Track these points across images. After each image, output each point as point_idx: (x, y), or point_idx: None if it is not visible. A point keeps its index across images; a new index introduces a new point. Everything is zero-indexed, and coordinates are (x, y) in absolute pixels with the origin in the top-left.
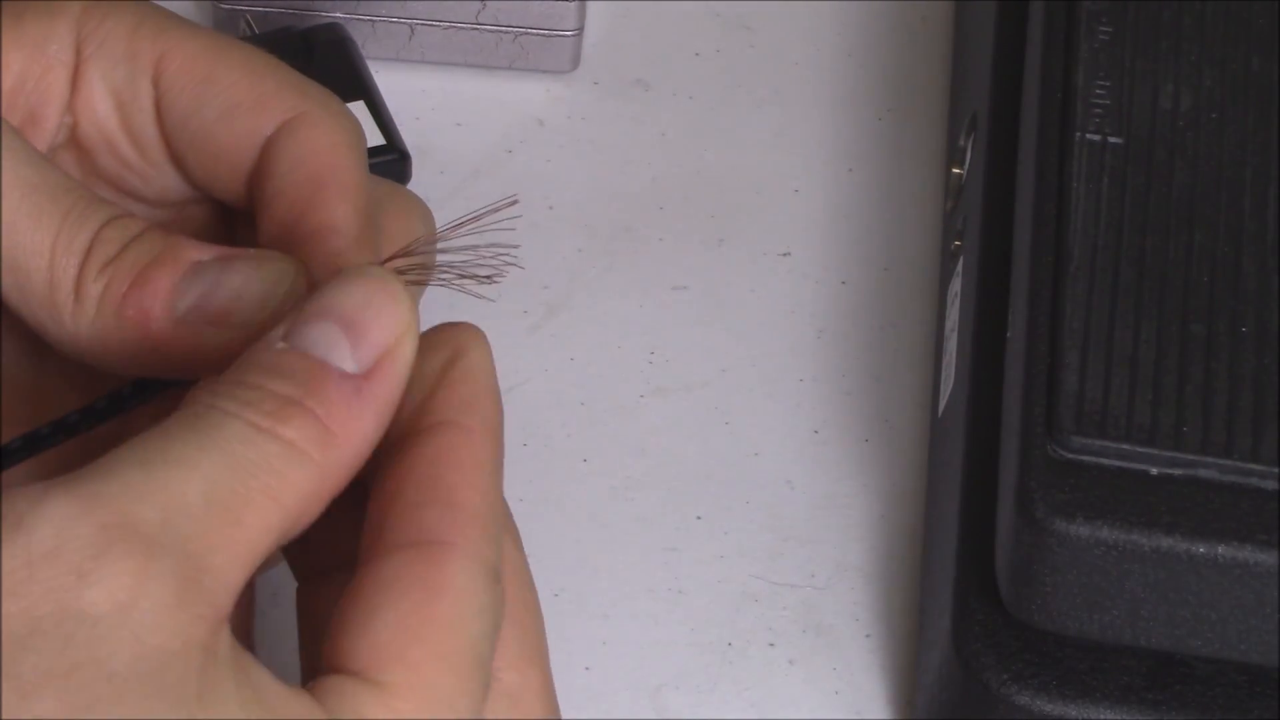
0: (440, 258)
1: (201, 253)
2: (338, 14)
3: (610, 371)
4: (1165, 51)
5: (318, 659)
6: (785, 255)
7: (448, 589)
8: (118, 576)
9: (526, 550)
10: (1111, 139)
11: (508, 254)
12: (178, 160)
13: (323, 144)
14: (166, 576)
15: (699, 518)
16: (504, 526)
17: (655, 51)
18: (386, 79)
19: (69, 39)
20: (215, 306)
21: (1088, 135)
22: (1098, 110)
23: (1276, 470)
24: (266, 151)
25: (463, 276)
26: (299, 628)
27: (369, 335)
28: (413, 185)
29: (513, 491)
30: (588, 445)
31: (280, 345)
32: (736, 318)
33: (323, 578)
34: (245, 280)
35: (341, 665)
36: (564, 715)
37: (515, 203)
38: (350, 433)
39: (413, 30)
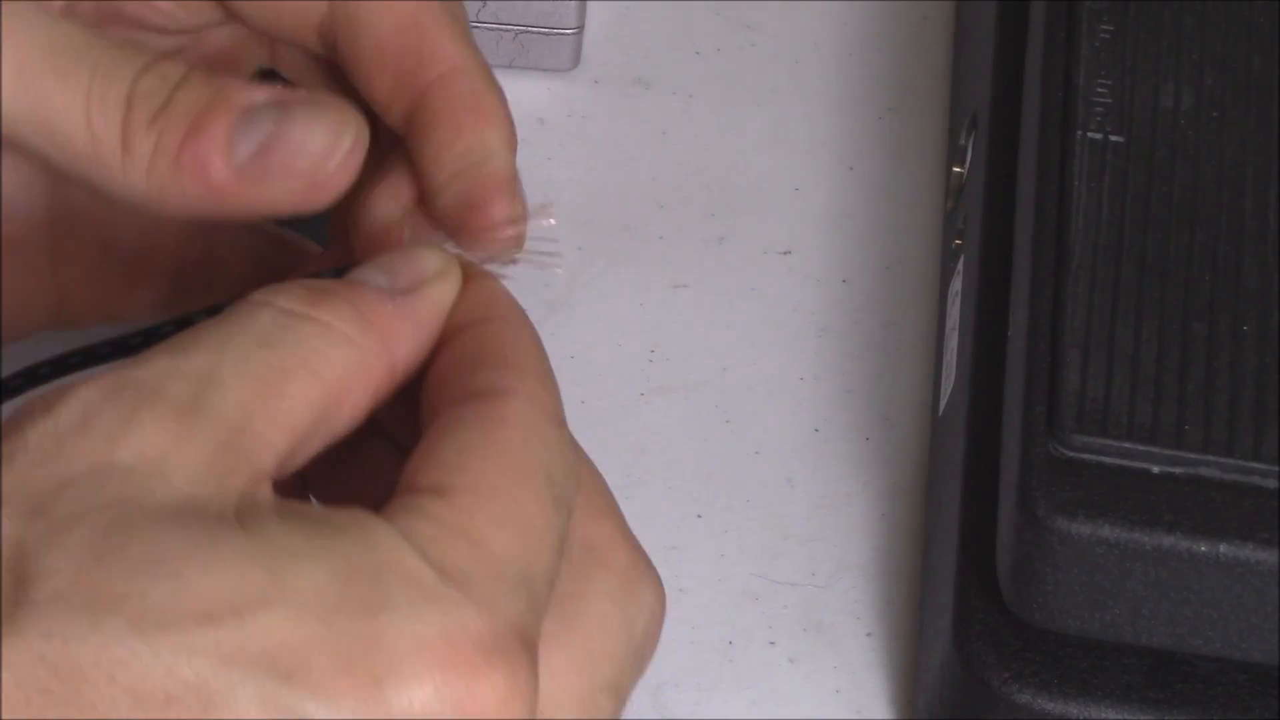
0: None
1: (253, 95)
2: None
3: (610, 370)
4: (1166, 50)
5: None
6: (786, 254)
7: (510, 421)
8: (150, 437)
9: None
10: (1113, 138)
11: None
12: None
13: (478, 93)
14: (200, 439)
15: (699, 516)
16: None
17: (656, 50)
18: None
19: None
20: (278, 159)
21: (1089, 134)
22: (1099, 109)
23: (1277, 469)
24: (428, 91)
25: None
26: None
27: (403, 272)
28: None
29: None
30: (588, 443)
31: (310, 277)
32: (737, 316)
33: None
34: (306, 130)
35: (406, 488)
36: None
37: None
38: (389, 330)
39: None
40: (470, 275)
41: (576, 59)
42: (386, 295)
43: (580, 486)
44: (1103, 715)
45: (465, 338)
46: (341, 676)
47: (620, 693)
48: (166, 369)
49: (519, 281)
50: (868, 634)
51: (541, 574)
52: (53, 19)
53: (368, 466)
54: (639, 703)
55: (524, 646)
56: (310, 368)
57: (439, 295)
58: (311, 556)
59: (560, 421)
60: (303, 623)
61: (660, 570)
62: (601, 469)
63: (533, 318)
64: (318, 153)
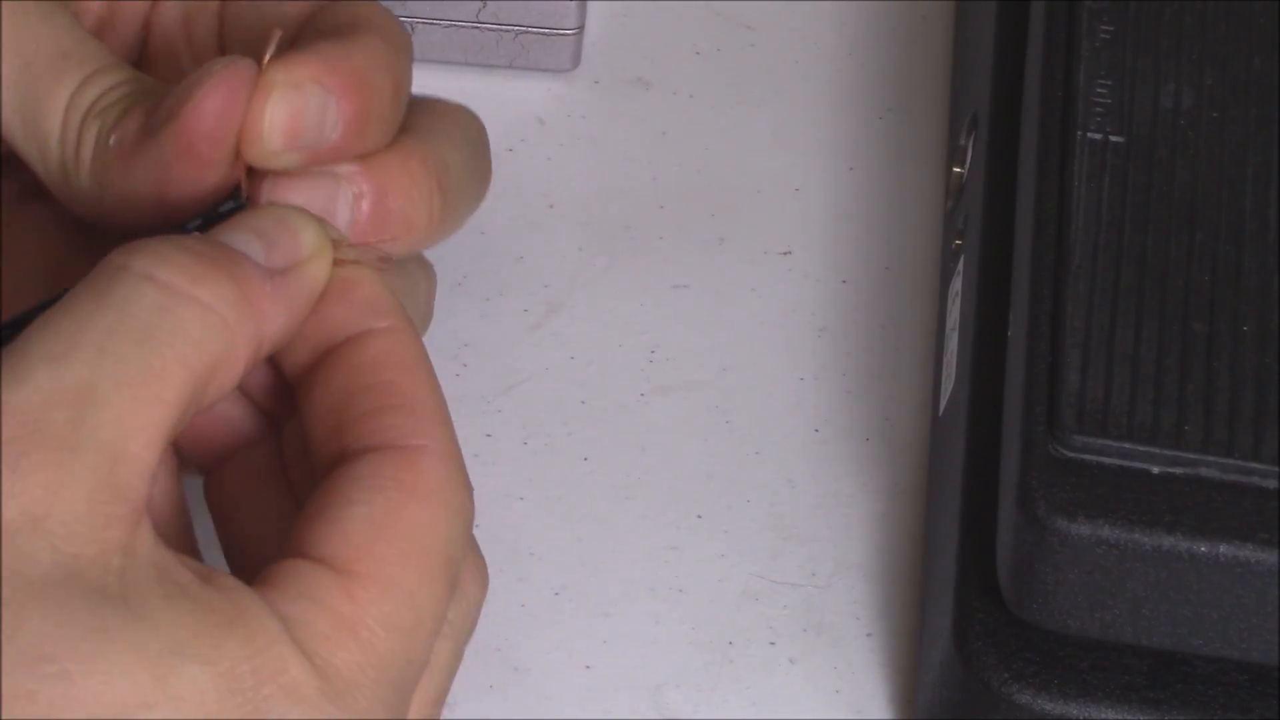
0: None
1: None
2: None
3: (611, 370)
4: (1166, 50)
5: (238, 552)
6: (786, 254)
7: (423, 490)
8: (30, 490)
9: (527, 550)
10: (1113, 138)
11: None
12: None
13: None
14: (78, 482)
15: (700, 516)
16: None
17: (656, 50)
18: None
19: None
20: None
21: (1089, 134)
22: (1099, 109)
23: (1278, 469)
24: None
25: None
26: (214, 521)
27: (281, 245)
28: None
29: (513, 490)
30: (588, 444)
31: (190, 236)
32: (737, 316)
33: (228, 464)
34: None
35: (305, 552)
36: (564, 715)
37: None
38: (264, 314)
39: (413, 29)
40: (341, 262)
41: (577, 59)
42: (266, 275)
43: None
44: (1103, 715)
45: (358, 355)
46: None
47: (444, 697)
48: (47, 388)
49: (517, 282)
50: (868, 634)
51: (419, 665)
52: (76, 27)
53: (223, 424)
54: (639, 702)
55: None
56: (186, 363)
57: (313, 278)
58: (196, 659)
59: (463, 469)
60: None
61: (661, 571)
62: (601, 469)
63: (533, 317)
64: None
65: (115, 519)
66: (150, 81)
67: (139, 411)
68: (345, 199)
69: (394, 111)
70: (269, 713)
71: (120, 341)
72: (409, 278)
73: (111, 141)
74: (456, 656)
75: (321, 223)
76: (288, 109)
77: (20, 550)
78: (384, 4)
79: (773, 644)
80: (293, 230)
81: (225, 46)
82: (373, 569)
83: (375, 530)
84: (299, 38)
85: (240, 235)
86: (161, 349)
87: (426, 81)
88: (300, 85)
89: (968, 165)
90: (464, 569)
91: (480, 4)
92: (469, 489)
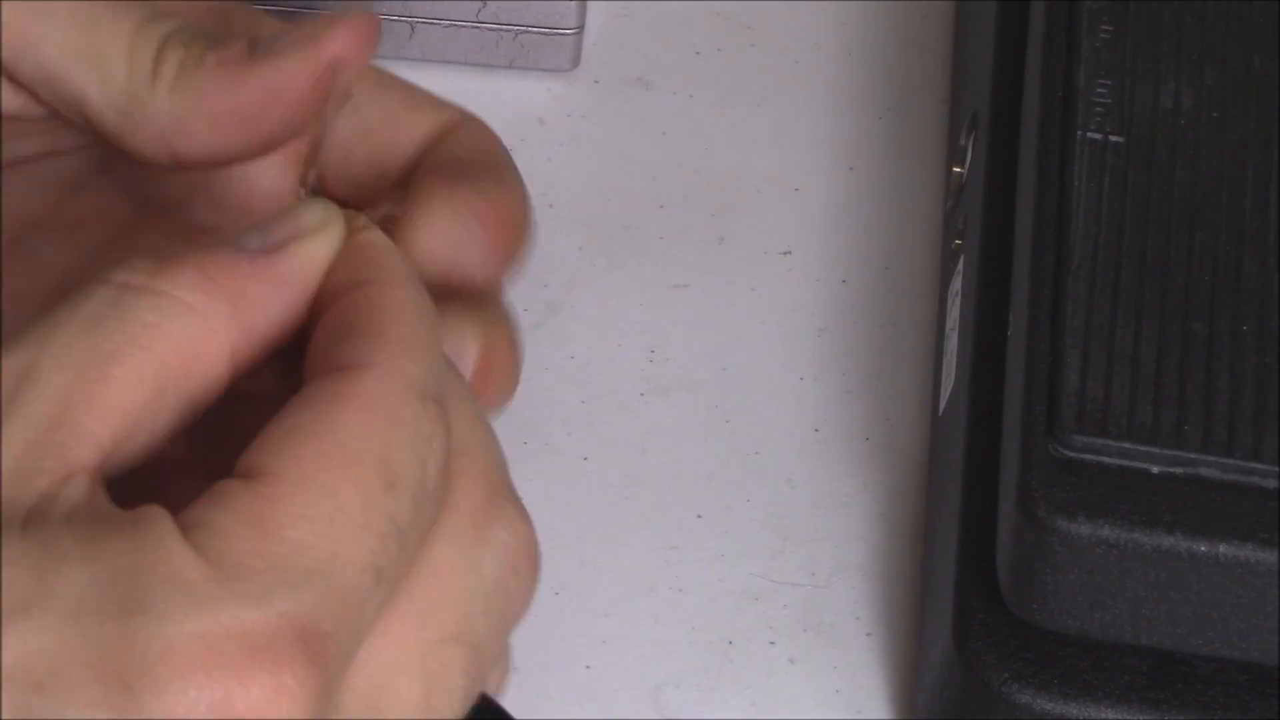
0: None
1: (267, 25)
2: None
3: (611, 370)
4: (1166, 50)
5: None
6: (786, 254)
7: (355, 398)
8: None
9: None
10: (1113, 138)
11: None
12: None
13: (484, 143)
14: (7, 442)
15: (699, 516)
16: (443, 364)
17: (656, 50)
18: None
19: None
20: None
21: (1089, 134)
22: (1099, 109)
23: (1278, 469)
24: (427, 146)
25: None
26: None
27: (279, 228)
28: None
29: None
30: (588, 444)
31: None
32: (737, 316)
33: None
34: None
35: (234, 470)
36: (564, 715)
37: None
38: (240, 292)
39: (413, 29)
40: (357, 230)
41: (576, 59)
42: (245, 256)
43: (474, 462)
44: (1103, 715)
45: (340, 305)
46: (94, 685)
47: (472, 641)
48: None
49: (520, 283)
50: (868, 634)
51: (353, 563)
52: None
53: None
54: (639, 702)
55: (299, 641)
56: (140, 344)
57: (309, 252)
58: (79, 560)
59: (425, 394)
60: (59, 630)
61: (660, 571)
62: (601, 469)
63: (533, 316)
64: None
65: (41, 472)
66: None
67: (83, 387)
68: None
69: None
70: (152, 603)
71: (67, 330)
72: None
73: (211, 60)
74: (478, 598)
75: (329, 202)
76: (444, 234)
77: None
78: (385, 4)
79: (772, 644)
80: (292, 213)
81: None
82: (284, 467)
83: (293, 435)
84: (428, 160)
85: (236, 234)
86: (110, 334)
87: (427, 81)
88: (460, 217)
89: (967, 165)
90: (486, 510)
91: (480, 4)
92: (430, 407)
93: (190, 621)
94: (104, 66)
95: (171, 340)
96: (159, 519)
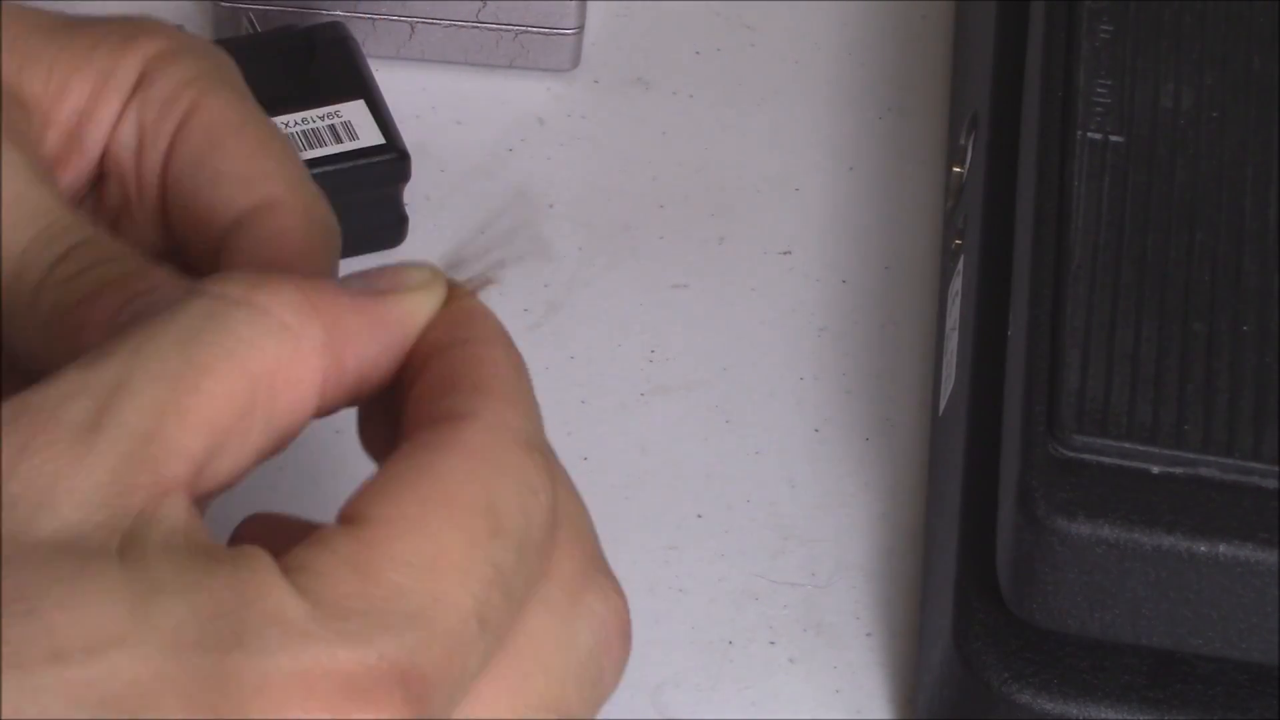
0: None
1: (154, 283)
2: (339, 12)
3: (611, 370)
4: (1166, 50)
5: None
6: (786, 254)
7: (459, 447)
8: (39, 465)
9: None
10: (1113, 138)
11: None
12: (167, 211)
13: (286, 234)
14: (97, 458)
15: (699, 516)
16: (542, 423)
17: (656, 50)
18: (387, 77)
19: (133, 75)
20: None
21: (1089, 134)
22: (1099, 109)
23: (1277, 469)
24: (234, 226)
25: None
26: None
27: (384, 278)
28: (413, 184)
29: None
30: (588, 444)
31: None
32: (737, 316)
33: None
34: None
35: (338, 517)
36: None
37: (523, 197)
38: (338, 322)
39: (413, 29)
40: (455, 296)
41: (576, 59)
42: (345, 291)
43: (573, 530)
44: (1103, 715)
45: (441, 361)
46: (187, 715)
47: (563, 711)
48: (70, 387)
49: (517, 282)
50: (868, 634)
51: (457, 608)
52: (45, 184)
53: None
54: (639, 702)
55: (399, 684)
56: (235, 358)
57: (412, 303)
58: (178, 592)
59: (531, 446)
60: (155, 661)
61: (660, 570)
62: (601, 469)
63: (533, 316)
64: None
65: (136, 487)
66: (120, 254)
67: (176, 400)
68: None
69: None
70: (252, 639)
71: (159, 343)
72: None
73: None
74: (572, 668)
75: (434, 265)
76: None
77: (17, 517)
78: (385, 4)
79: (773, 644)
80: (398, 269)
81: (167, 185)
82: (387, 512)
83: (399, 481)
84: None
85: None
86: (205, 345)
87: (427, 81)
88: None
89: (967, 165)
90: (581, 580)
91: (480, 4)
92: (538, 458)
93: (288, 658)
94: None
95: (266, 358)
96: (260, 556)
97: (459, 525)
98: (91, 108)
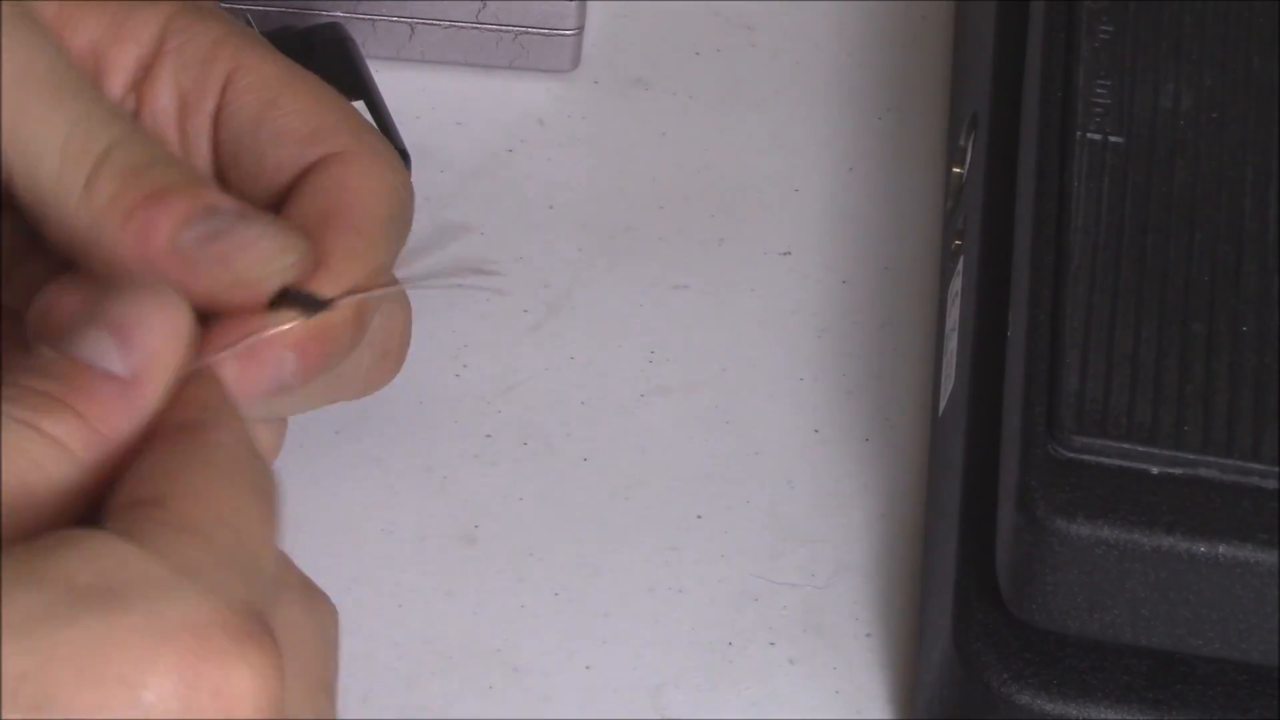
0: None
1: (222, 200)
2: (338, 13)
3: (610, 371)
4: (1166, 51)
5: None
6: (786, 254)
7: (211, 441)
8: None
9: (526, 550)
10: (1112, 138)
11: (494, 263)
12: (221, 170)
13: (351, 183)
14: None
15: (699, 517)
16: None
17: (656, 51)
18: (387, 78)
19: (153, 27)
20: (218, 249)
21: (1088, 134)
22: (1098, 109)
23: (1277, 469)
24: (300, 179)
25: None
26: None
27: (136, 341)
28: (413, 185)
29: (513, 491)
30: (588, 444)
31: (49, 353)
32: (737, 317)
33: None
34: (258, 235)
35: (113, 508)
36: (564, 715)
37: (469, 230)
38: (115, 434)
39: (413, 29)
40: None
41: (576, 60)
42: (117, 387)
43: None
44: (1102, 716)
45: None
46: (88, 690)
47: (331, 690)
48: None
49: (517, 283)
50: (867, 635)
51: (265, 566)
52: (58, 49)
53: None
54: (639, 703)
55: (265, 627)
56: (25, 482)
57: (166, 377)
58: (28, 582)
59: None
60: (33, 652)
61: (660, 571)
62: (601, 470)
63: (533, 317)
64: (258, 257)
65: None
66: (141, 139)
67: None
68: (285, 366)
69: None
70: (125, 600)
71: None
72: (382, 314)
73: (153, 204)
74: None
75: (171, 294)
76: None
77: None
78: (385, 4)
79: (772, 644)
80: (149, 321)
81: (220, 145)
82: (185, 487)
83: (177, 466)
84: (294, 193)
85: (92, 339)
86: None
87: (427, 82)
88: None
89: (967, 165)
90: (309, 585)
91: (480, 4)
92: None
93: (172, 613)
94: (33, 156)
95: (53, 485)
96: (92, 534)
97: (248, 497)
98: (107, 48)
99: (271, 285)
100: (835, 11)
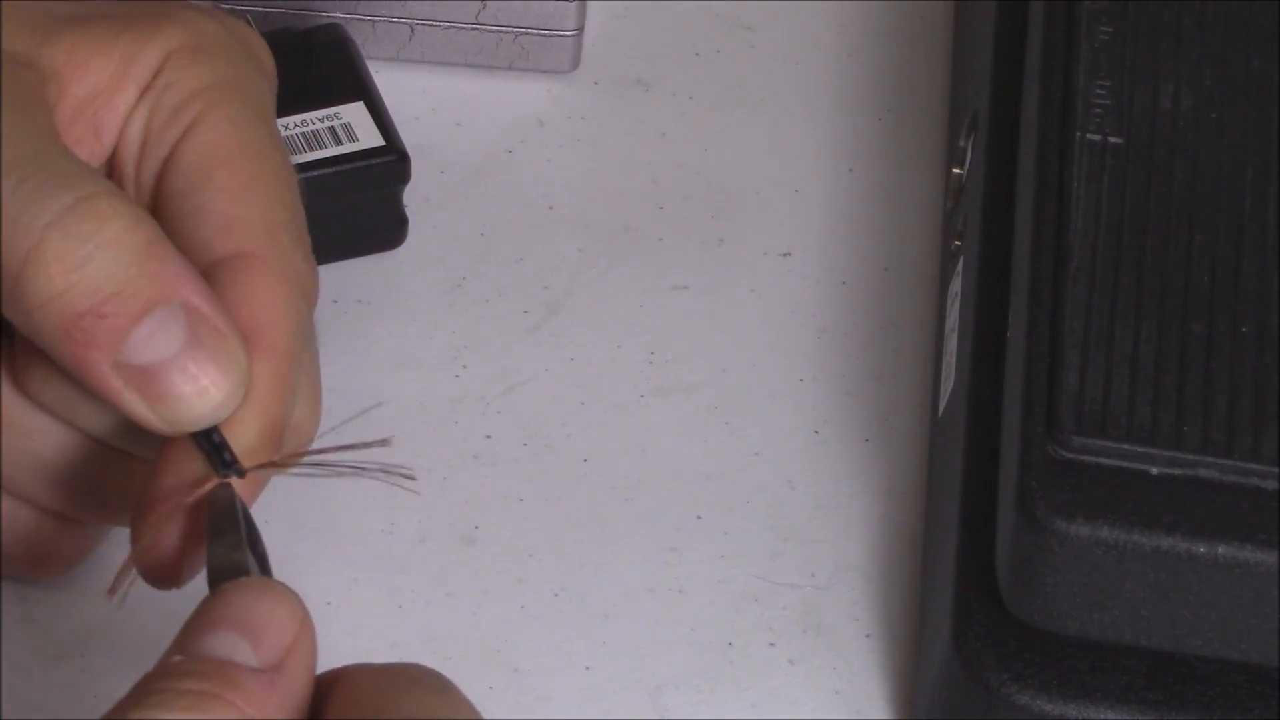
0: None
1: (180, 292)
2: (338, 14)
3: (610, 371)
4: (1166, 51)
5: None
6: (786, 255)
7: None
8: None
9: (527, 550)
10: (1112, 139)
11: (401, 468)
12: (160, 217)
13: (260, 300)
14: None
15: (699, 518)
16: None
17: (655, 51)
18: (386, 79)
19: (152, 65)
20: (154, 389)
21: (1088, 135)
22: (1098, 110)
23: (1276, 470)
24: (210, 272)
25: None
26: None
27: (267, 636)
28: (412, 185)
29: (513, 491)
30: (588, 445)
31: (178, 658)
32: (737, 318)
33: None
34: (197, 380)
35: None
36: (564, 715)
37: (387, 443)
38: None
39: (413, 30)
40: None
41: (576, 61)
42: (265, 679)
43: None
44: (1102, 716)
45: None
46: None
47: None
48: None
49: (518, 284)
50: (867, 635)
51: None
52: (12, 111)
53: None
54: (639, 703)
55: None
56: None
57: (309, 662)
58: None
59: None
60: None
61: (660, 572)
62: (601, 470)
63: (533, 318)
64: (195, 411)
65: None
66: (133, 223)
67: None
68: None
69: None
70: None
71: None
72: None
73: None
74: None
75: (285, 589)
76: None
77: None
78: (385, 5)
79: (772, 645)
80: (271, 613)
81: (156, 195)
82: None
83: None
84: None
85: (221, 639)
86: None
87: (427, 83)
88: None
89: (967, 166)
90: None
91: (480, 5)
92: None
93: None
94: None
95: None
96: None
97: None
98: (109, 92)
99: (196, 429)
100: (835, 12)
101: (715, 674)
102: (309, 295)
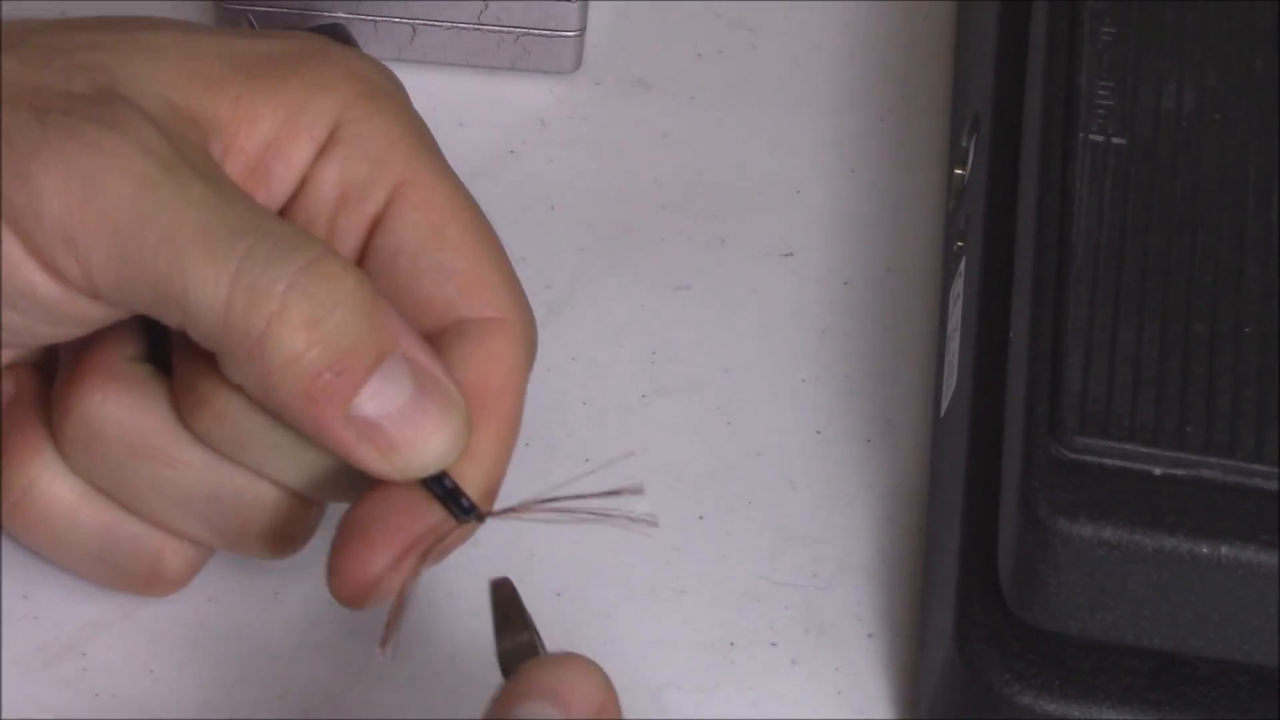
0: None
1: (401, 344)
2: (340, 14)
3: (612, 371)
4: (1169, 52)
5: None
6: (788, 255)
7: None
8: None
9: (527, 550)
10: (1115, 139)
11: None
12: (365, 271)
13: (505, 361)
14: None
15: (701, 518)
16: None
17: (657, 52)
18: None
19: (329, 117)
20: (389, 436)
21: (1091, 136)
22: (1101, 111)
23: (1279, 471)
24: (451, 336)
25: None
26: None
27: (575, 702)
28: None
29: (513, 492)
30: (589, 445)
31: None
32: (739, 318)
33: None
34: (434, 426)
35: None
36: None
37: (640, 491)
38: None
39: (415, 31)
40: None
41: (578, 61)
42: None
43: None
44: (1104, 716)
45: None
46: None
47: None
48: None
49: (523, 277)
50: (869, 635)
51: None
52: (207, 181)
53: None
54: (641, 703)
55: None
56: None
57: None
58: None
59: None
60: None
61: (662, 571)
62: (602, 470)
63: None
64: (425, 457)
65: None
66: (353, 288)
67: None
68: None
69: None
70: None
71: None
72: None
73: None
74: None
75: (601, 680)
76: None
77: None
78: (387, 6)
79: (774, 645)
80: (577, 681)
81: (371, 253)
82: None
83: None
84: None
85: (534, 708)
86: None
87: (429, 83)
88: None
89: (969, 167)
90: None
91: (482, 6)
92: None
93: None
94: (188, 307)
95: None
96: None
97: None
98: (281, 142)
99: (426, 475)
100: (836, 12)
101: (717, 674)
102: (534, 355)
